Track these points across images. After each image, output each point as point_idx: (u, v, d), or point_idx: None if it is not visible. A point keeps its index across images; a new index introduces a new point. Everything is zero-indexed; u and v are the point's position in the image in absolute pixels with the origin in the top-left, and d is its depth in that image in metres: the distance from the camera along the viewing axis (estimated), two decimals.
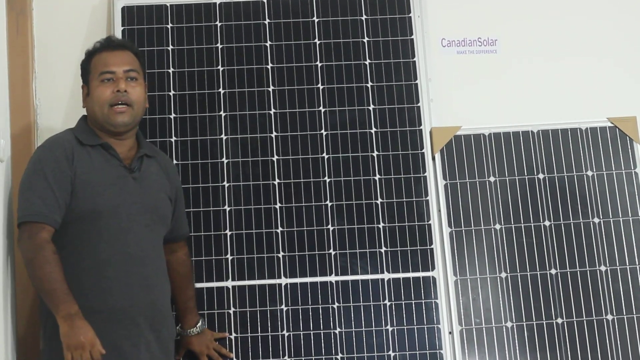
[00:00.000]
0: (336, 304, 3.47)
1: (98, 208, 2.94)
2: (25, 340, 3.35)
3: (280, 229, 3.53)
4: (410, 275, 3.51)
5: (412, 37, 3.74)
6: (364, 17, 3.75)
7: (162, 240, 3.15)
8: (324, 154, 3.60)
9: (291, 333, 3.44)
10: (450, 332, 3.46)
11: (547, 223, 3.57)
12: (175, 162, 3.54)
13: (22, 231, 2.92)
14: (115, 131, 3.08)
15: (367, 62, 3.70)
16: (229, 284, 3.47)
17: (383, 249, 3.53)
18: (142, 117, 3.20)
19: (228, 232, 3.50)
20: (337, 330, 3.44)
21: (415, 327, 3.46)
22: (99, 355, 2.75)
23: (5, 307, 3.20)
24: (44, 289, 2.82)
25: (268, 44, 3.70)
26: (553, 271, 3.52)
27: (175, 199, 3.27)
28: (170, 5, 3.71)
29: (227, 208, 3.52)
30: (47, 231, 2.88)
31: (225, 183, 3.55)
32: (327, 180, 3.58)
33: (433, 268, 3.52)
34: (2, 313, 3.15)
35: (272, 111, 3.63)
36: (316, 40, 3.72)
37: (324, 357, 3.42)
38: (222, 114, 3.62)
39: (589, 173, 3.63)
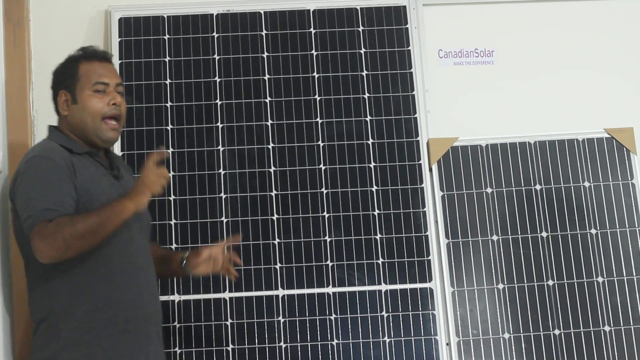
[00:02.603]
0: (333, 315, 3.47)
1: None
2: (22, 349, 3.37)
3: (277, 240, 3.53)
4: (408, 286, 3.51)
5: (409, 48, 3.75)
6: (361, 29, 3.75)
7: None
8: (321, 165, 3.60)
9: (289, 345, 3.43)
10: (447, 344, 3.46)
11: (544, 234, 3.57)
12: (172, 173, 3.54)
13: (33, 237, 2.77)
14: (103, 145, 3.01)
15: (364, 73, 3.70)
16: (226, 295, 3.47)
17: (380, 260, 3.53)
18: None
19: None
20: (335, 342, 3.44)
21: (413, 338, 3.46)
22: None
23: (4, 314, 3.20)
24: (97, 231, 2.76)
25: (265, 55, 3.71)
26: (550, 282, 3.52)
27: None
28: (167, 16, 3.71)
29: (224, 219, 3.52)
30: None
31: (222, 194, 3.55)
32: (325, 191, 3.58)
33: (430, 279, 3.52)
34: (1, 320, 3.16)
35: (269, 122, 3.63)
36: (313, 51, 3.72)
37: None
38: (219, 125, 3.62)
39: (586, 184, 3.63)
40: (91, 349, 2.82)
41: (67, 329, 2.82)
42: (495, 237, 3.56)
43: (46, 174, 2.83)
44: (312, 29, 3.74)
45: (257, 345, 3.43)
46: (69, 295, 2.85)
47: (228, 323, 3.45)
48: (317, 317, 3.47)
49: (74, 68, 3.05)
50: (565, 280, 3.53)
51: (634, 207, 3.60)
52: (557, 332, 3.48)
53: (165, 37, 3.70)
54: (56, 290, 2.86)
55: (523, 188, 3.62)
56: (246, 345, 3.43)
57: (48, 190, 2.81)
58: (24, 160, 2.93)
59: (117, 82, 3.05)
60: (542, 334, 3.48)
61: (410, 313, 3.49)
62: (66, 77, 3.06)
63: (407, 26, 3.77)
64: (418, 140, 3.65)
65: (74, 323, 2.83)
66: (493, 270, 3.53)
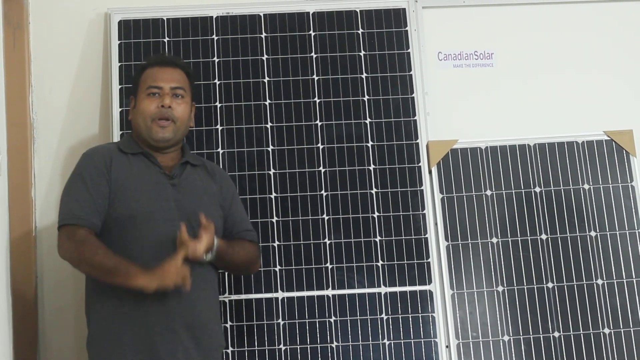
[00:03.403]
0: (333, 317, 3.47)
1: (133, 213, 2.96)
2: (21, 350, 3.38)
3: (277, 242, 3.53)
4: (407, 289, 3.51)
5: (408, 50, 3.75)
6: (360, 31, 3.75)
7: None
8: (321, 168, 3.60)
9: (288, 347, 3.43)
10: (447, 346, 3.46)
11: (543, 236, 3.57)
12: None
13: (60, 234, 2.96)
14: (157, 145, 3.10)
15: (364, 75, 3.70)
16: (226, 297, 3.47)
17: (380, 263, 3.53)
18: (185, 134, 3.19)
19: None
20: (334, 344, 3.44)
21: (412, 341, 3.46)
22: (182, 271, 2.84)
23: (3, 317, 3.20)
24: (106, 273, 2.86)
25: (264, 57, 3.71)
26: (550, 285, 3.52)
27: (229, 205, 3.24)
28: (167, 19, 3.71)
29: None
30: (86, 231, 2.93)
31: None
32: (324, 193, 3.58)
33: (430, 282, 3.52)
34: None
35: (269, 124, 3.63)
36: (313, 53, 3.72)
37: None
38: (219, 127, 3.62)
39: (586, 186, 3.63)
40: (112, 342, 2.92)
41: (95, 321, 2.97)
42: (494, 240, 3.56)
43: (81, 172, 3.03)
44: (311, 32, 3.74)
45: (256, 348, 3.43)
46: (99, 290, 2.97)
47: (228, 325, 3.45)
48: (317, 320, 3.47)
49: (138, 75, 3.21)
50: (564, 283, 3.53)
51: (633, 210, 3.60)
52: (556, 334, 3.48)
53: (164, 39, 3.70)
54: (91, 286, 3.02)
55: (523, 190, 3.62)
56: (246, 348, 3.43)
57: (80, 190, 2.99)
58: None
59: (174, 86, 3.14)
60: (541, 336, 3.48)
61: (410, 315, 3.49)
62: (133, 84, 3.23)
63: (406, 29, 3.77)
64: (418, 143, 3.65)
65: (100, 316, 2.96)
66: (493, 273, 3.53)
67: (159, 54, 3.57)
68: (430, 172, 3.63)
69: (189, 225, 2.99)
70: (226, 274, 3.46)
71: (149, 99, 3.10)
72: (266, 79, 3.68)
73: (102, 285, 2.92)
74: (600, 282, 3.53)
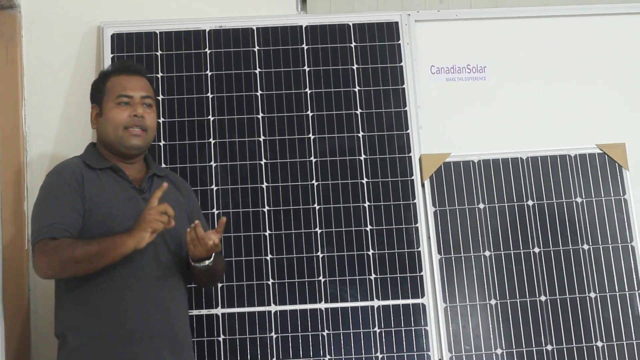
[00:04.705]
0: (326, 331, 3.47)
1: (111, 231, 2.90)
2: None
3: (269, 256, 3.52)
4: (400, 302, 3.51)
5: (401, 64, 3.75)
6: (353, 44, 3.76)
7: (179, 260, 3.09)
8: (314, 181, 3.60)
9: None
10: (440, 359, 3.46)
11: (536, 250, 3.57)
12: None
13: (34, 253, 2.88)
14: (127, 153, 3.06)
15: (357, 89, 3.71)
16: (219, 311, 3.46)
17: (373, 276, 3.52)
18: (151, 143, 3.18)
19: None
20: (327, 358, 3.44)
21: (405, 354, 3.45)
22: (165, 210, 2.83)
23: None
24: (93, 259, 2.81)
25: (257, 71, 3.71)
26: (543, 298, 3.52)
27: (197, 218, 3.19)
28: (160, 32, 3.72)
29: None
30: (57, 240, 2.85)
31: (214, 210, 3.54)
32: (317, 207, 3.58)
33: (423, 295, 3.51)
34: None
35: (262, 138, 3.64)
36: (305, 67, 3.72)
37: None
38: (212, 141, 3.62)
39: (578, 200, 3.63)
40: (93, 359, 2.87)
41: (73, 340, 2.90)
42: (487, 253, 3.56)
43: (53, 190, 2.96)
44: (304, 45, 3.75)
45: None
46: (76, 308, 2.92)
47: (220, 339, 3.44)
48: (310, 333, 3.46)
49: (102, 82, 3.15)
50: (557, 296, 3.53)
51: (625, 223, 3.61)
52: (549, 347, 3.48)
53: (157, 53, 3.70)
54: (67, 305, 2.95)
55: (515, 204, 3.62)
56: None
57: (53, 207, 2.92)
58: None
59: (143, 95, 3.11)
60: (534, 349, 3.47)
61: (403, 329, 3.48)
62: (96, 92, 3.16)
63: (399, 42, 3.78)
64: (410, 156, 3.65)
65: (79, 335, 2.90)
66: (485, 286, 3.53)
67: (123, 61, 3.51)
68: (423, 185, 3.63)
69: (162, 240, 2.98)
70: (218, 288, 3.45)
71: (119, 108, 3.06)
72: (259, 93, 3.68)
73: (78, 304, 2.89)
74: (593, 295, 3.53)
